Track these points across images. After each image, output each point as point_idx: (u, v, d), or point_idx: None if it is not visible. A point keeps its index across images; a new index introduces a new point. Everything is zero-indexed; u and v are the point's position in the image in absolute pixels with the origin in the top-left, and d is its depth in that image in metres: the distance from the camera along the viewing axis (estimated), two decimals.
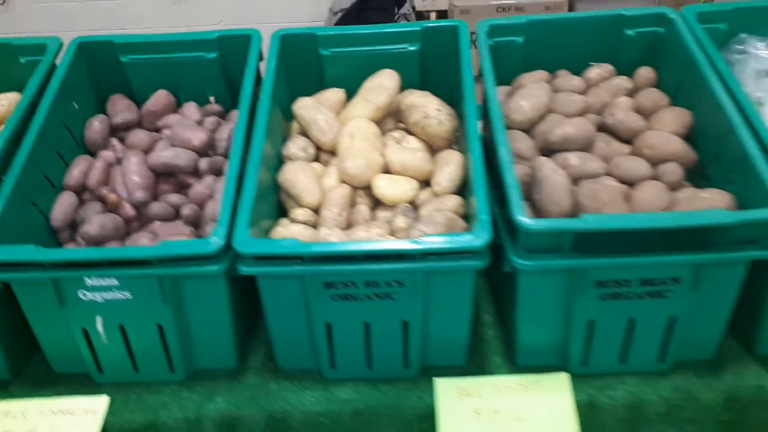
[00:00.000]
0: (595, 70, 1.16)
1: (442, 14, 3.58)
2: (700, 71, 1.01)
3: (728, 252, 0.85)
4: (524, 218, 0.83)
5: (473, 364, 1.02)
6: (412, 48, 1.17)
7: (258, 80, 1.14)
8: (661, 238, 0.86)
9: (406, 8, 3.87)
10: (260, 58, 1.19)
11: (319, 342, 0.97)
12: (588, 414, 0.96)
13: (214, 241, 0.87)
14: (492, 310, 1.12)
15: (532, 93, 1.07)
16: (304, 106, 1.13)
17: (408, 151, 1.06)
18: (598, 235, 0.85)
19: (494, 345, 1.05)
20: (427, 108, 1.09)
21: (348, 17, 3.95)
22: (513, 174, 0.89)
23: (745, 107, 0.95)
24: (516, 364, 1.01)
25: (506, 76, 1.17)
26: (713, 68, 1.01)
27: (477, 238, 0.84)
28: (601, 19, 1.15)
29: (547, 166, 0.95)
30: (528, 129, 1.08)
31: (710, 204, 0.89)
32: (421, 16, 3.74)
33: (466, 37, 1.12)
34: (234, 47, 1.19)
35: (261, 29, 1.21)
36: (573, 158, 0.99)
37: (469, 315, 0.96)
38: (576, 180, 0.98)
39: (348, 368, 1.00)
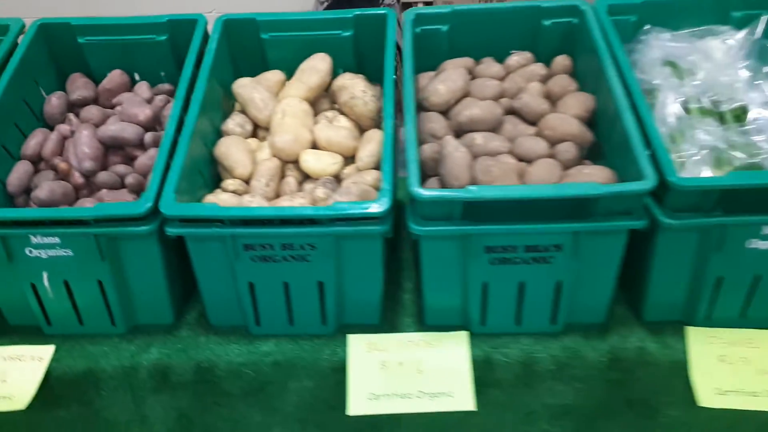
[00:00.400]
0: (515, 58, 1.25)
1: (428, 6, 3.64)
2: (600, 59, 1.10)
3: (603, 222, 0.94)
4: (417, 188, 0.93)
5: (387, 324, 1.12)
6: (346, 34, 1.26)
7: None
8: (545, 209, 0.95)
9: None
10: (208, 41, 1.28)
11: (244, 301, 1.07)
12: (485, 369, 1.06)
13: (143, 203, 0.97)
14: (414, 278, 1.22)
15: (449, 78, 1.16)
16: (242, 86, 1.22)
17: (333, 129, 1.16)
18: (487, 205, 0.95)
19: (409, 307, 1.15)
20: (354, 89, 1.18)
21: (333, 7, 4.02)
22: (414, 150, 0.98)
23: (634, 93, 1.04)
24: (425, 324, 1.11)
25: (433, 62, 1.26)
26: (612, 57, 1.10)
27: (377, 205, 0.94)
28: (520, 9, 1.24)
29: (450, 144, 1.04)
30: (445, 111, 1.17)
31: (590, 178, 0.98)
32: (407, 6, 3.81)
33: (392, 25, 1.21)
34: (183, 30, 1.28)
35: None
36: (478, 137, 1.09)
37: (380, 277, 1.06)
38: (480, 157, 1.07)
39: (271, 325, 1.10)
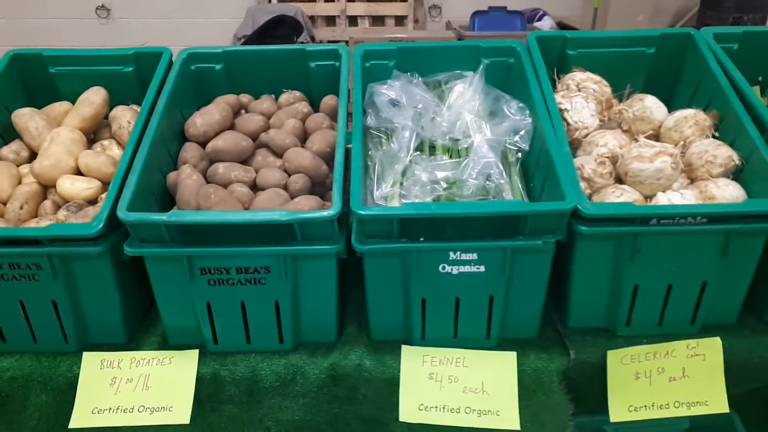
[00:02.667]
0: (285, 96, 1.34)
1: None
2: (339, 100, 1.20)
3: (302, 246, 1.02)
4: (122, 211, 1.00)
5: (134, 343, 1.17)
6: (127, 69, 1.35)
7: None
8: (254, 233, 1.02)
9: (304, 37, 4.09)
10: None
11: None
12: (212, 384, 1.12)
13: None
14: None
15: (208, 112, 1.25)
16: (19, 115, 1.29)
17: (93, 156, 1.23)
18: (197, 229, 1.02)
19: (160, 327, 1.21)
20: (122, 120, 1.26)
21: (250, 43, 4.15)
22: (135, 177, 1.06)
23: (354, 132, 1.14)
24: (168, 344, 1.17)
25: (212, 97, 1.35)
26: (347, 99, 1.20)
27: (87, 227, 1.01)
28: (288, 52, 1.34)
29: (184, 172, 1.12)
30: (205, 142, 1.25)
31: (297, 207, 1.06)
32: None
33: (163, 64, 1.30)
34: None
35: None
36: (221, 167, 1.17)
37: (117, 297, 1.11)
38: (225, 185, 1.15)
39: (16, 342, 1.14)
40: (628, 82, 1.36)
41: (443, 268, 1.06)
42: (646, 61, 1.36)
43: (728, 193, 1.08)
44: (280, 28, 3.97)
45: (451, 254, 1.04)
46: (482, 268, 1.06)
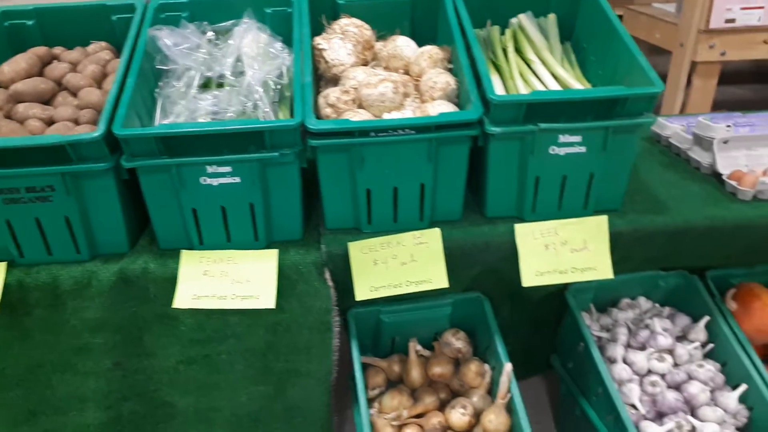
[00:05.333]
0: (92, 46, 1.53)
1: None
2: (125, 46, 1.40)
3: (79, 165, 1.22)
4: None
5: None
6: None
7: None
8: (43, 158, 1.22)
9: None
10: None
11: None
12: (19, 291, 1.32)
13: None
14: None
15: (15, 61, 1.43)
16: None
17: None
18: None
19: None
20: None
21: None
22: None
23: (130, 72, 1.34)
24: None
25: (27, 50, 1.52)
26: (132, 46, 1.41)
27: None
28: (91, 7, 1.53)
29: None
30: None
31: (79, 131, 1.26)
32: None
33: None
34: None
35: None
36: (21, 106, 1.36)
37: None
38: (23, 121, 1.34)
39: None
40: (396, 27, 1.60)
41: (204, 180, 1.27)
42: (407, 8, 1.59)
43: (440, 111, 1.33)
44: None
45: (209, 168, 1.26)
46: (238, 180, 1.28)
